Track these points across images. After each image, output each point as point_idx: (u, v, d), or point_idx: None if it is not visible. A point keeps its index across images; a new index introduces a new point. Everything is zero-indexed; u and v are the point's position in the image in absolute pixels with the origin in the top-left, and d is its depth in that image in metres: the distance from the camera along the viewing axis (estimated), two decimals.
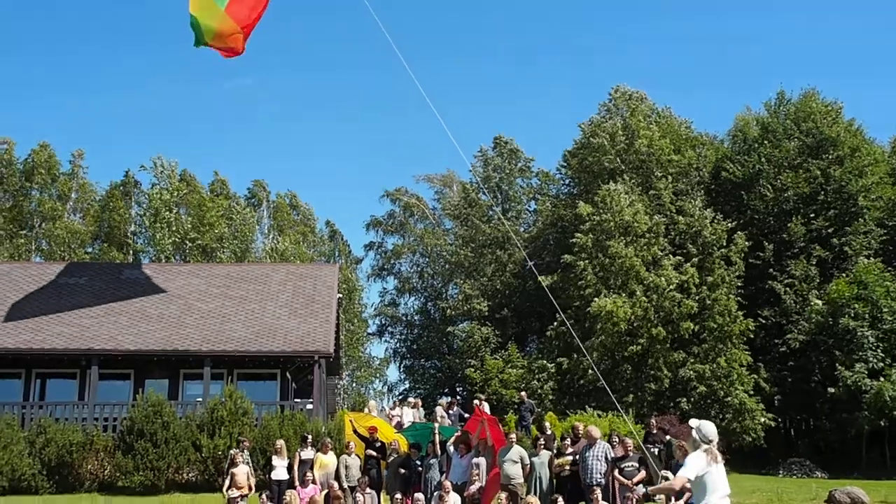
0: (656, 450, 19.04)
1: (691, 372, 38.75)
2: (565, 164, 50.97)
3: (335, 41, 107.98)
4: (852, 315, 37.50)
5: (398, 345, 64.06)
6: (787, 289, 41.23)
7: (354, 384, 64.85)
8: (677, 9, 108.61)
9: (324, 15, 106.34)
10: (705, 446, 9.12)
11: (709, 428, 9.27)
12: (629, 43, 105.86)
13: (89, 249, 58.93)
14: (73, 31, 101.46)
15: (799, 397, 41.62)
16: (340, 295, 38.40)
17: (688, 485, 9.30)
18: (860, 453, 37.82)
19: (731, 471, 29.45)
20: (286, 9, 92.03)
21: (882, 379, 36.02)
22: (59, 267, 37.72)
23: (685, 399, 38.26)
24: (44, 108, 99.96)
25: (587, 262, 41.28)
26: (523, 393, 32.96)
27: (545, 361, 41.78)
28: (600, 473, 16.39)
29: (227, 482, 19.23)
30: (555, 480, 17.33)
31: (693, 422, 9.57)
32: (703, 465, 8.92)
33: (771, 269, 42.19)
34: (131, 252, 58.63)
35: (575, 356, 39.46)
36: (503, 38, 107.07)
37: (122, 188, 61.68)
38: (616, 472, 16.42)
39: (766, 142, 45.54)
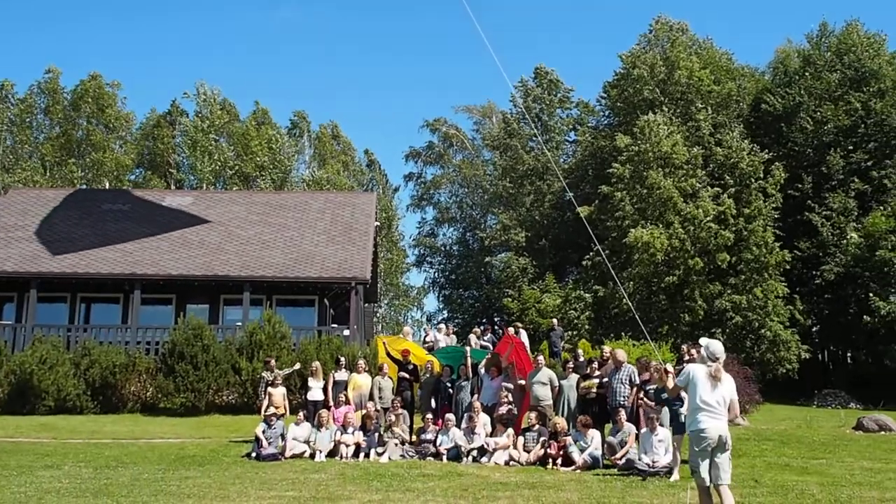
0: None
1: (727, 303, 38.72)
2: (605, 96, 50.65)
3: None
4: (889, 247, 37.39)
5: (437, 275, 64.81)
6: (825, 221, 41.00)
7: (393, 312, 65.56)
8: None
9: None
10: (711, 364, 9.66)
11: (716, 347, 9.84)
12: None
13: (131, 177, 59.57)
14: None
15: (835, 329, 41.75)
16: (378, 223, 38.76)
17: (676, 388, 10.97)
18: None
19: (765, 401, 30.00)
20: None
21: None
22: (104, 193, 38.51)
23: (720, 330, 38.12)
24: (91, 33, 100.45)
25: (625, 192, 41.23)
26: (554, 320, 33.22)
27: (582, 291, 42.01)
28: (624, 396, 16.75)
29: (265, 402, 19.83)
30: (581, 402, 17.69)
31: (703, 340, 10.17)
32: (693, 374, 9.75)
33: (809, 202, 41.98)
34: (173, 180, 59.30)
35: (611, 285, 39.67)
36: None
37: (167, 117, 62.14)
38: (641, 395, 16.75)
39: (806, 74, 45.06)
